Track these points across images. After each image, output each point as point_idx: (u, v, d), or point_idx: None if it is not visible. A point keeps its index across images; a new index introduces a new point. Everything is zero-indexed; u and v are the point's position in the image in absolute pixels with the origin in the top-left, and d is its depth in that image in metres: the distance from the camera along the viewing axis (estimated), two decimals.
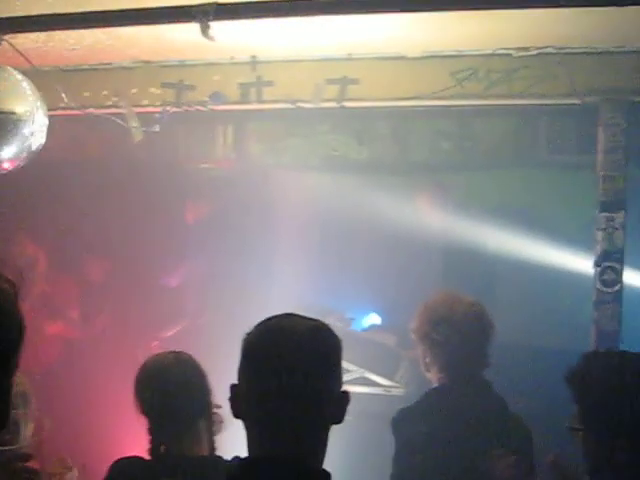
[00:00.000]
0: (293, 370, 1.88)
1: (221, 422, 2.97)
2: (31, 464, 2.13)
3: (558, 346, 5.08)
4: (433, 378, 3.44)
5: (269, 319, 2.01)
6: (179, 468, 2.80)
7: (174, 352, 3.05)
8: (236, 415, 1.97)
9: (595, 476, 2.46)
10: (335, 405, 1.95)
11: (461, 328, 3.32)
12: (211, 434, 2.93)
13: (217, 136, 6.59)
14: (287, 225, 6.55)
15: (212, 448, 2.92)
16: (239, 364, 1.97)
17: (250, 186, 6.46)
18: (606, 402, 2.39)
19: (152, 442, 2.89)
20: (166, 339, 5.85)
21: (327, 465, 1.98)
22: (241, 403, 1.95)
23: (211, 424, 2.95)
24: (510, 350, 5.54)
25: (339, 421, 1.96)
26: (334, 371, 1.97)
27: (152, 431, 2.89)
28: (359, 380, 4.98)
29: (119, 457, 2.93)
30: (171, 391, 2.86)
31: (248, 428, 1.94)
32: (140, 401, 2.91)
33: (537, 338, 5.90)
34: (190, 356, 3.04)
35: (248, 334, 1.99)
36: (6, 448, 2.70)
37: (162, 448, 2.85)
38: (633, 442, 2.31)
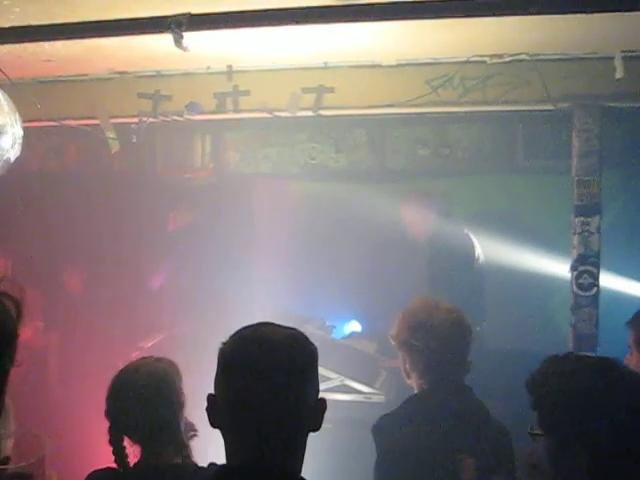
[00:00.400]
0: (269, 380, 1.89)
1: (194, 430, 2.96)
2: None
3: (537, 350, 5.11)
4: (414, 384, 3.44)
5: (245, 328, 2.02)
6: (154, 476, 2.77)
7: (149, 358, 3.02)
8: (213, 424, 1.97)
9: None
10: (312, 413, 1.96)
11: (439, 334, 3.32)
12: (186, 440, 2.91)
13: (195, 146, 6.59)
14: (267, 233, 6.57)
15: (187, 455, 2.89)
16: (215, 374, 1.99)
17: (229, 195, 6.47)
18: (561, 406, 2.41)
19: (118, 451, 2.85)
20: (147, 349, 5.83)
21: (307, 472, 1.99)
22: (218, 412, 1.95)
23: (186, 430, 2.93)
24: (492, 354, 5.58)
25: (316, 428, 1.97)
26: (310, 379, 1.98)
27: (120, 440, 2.85)
28: (339, 387, 4.98)
29: (92, 470, 2.90)
30: (144, 395, 2.83)
31: (226, 437, 1.95)
32: (112, 408, 2.87)
33: (517, 342, 5.94)
34: (167, 362, 3.01)
35: (224, 344, 2.00)
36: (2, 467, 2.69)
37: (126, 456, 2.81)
38: (592, 445, 2.32)
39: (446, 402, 3.26)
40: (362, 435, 3.58)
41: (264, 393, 1.88)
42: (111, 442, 2.83)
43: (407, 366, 3.42)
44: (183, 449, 2.86)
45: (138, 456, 2.83)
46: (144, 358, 3.02)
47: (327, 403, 2.01)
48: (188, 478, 2.78)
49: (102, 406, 2.89)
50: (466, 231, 5.93)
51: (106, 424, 2.84)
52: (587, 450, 2.32)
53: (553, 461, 2.49)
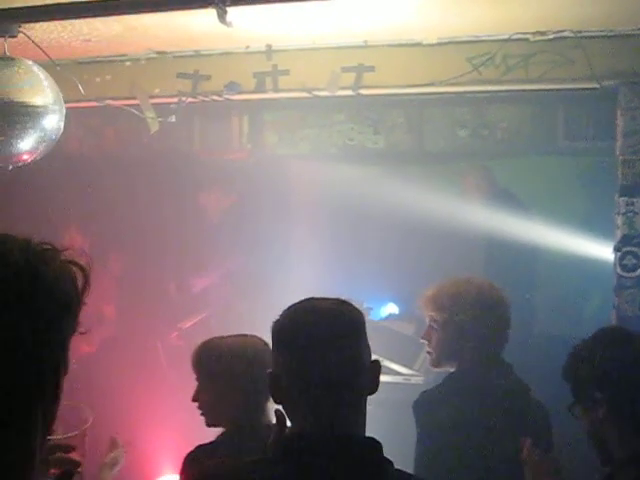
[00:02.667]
0: (325, 345, 1.95)
1: None
2: (73, 455, 2.12)
3: (579, 332, 5.06)
4: (452, 363, 3.41)
5: (292, 305, 2.07)
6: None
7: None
8: (277, 400, 2.04)
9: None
10: (369, 374, 2.01)
11: (471, 309, 3.29)
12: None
13: (233, 127, 6.59)
14: (304, 215, 6.56)
15: None
16: (272, 351, 2.05)
17: (267, 176, 6.46)
18: (610, 378, 2.43)
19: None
20: (186, 330, 5.87)
21: None
22: (280, 387, 2.00)
23: None
24: (533, 336, 5.54)
25: (374, 391, 2.02)
26: (364, 341, 2.02)
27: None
28: None
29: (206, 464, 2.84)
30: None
31: (289, 409, 2.01)
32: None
33: (558, 324, 5.88)
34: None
35: (276, 322, 2.05)
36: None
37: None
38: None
39: (486, 379, 3.24)
40: (402, 416, 3.57)
41: (322, 359, 1.93)
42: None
43: (435, 344, 3.37)
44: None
45: None
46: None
47: None
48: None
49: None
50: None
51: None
52: (628, 429, 2.33)
53: (593, 437, 2.49)
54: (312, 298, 2.08)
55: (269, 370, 2.05)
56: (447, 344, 3.34)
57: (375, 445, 1.97)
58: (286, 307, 2.08)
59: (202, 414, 2.98)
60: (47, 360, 1.31)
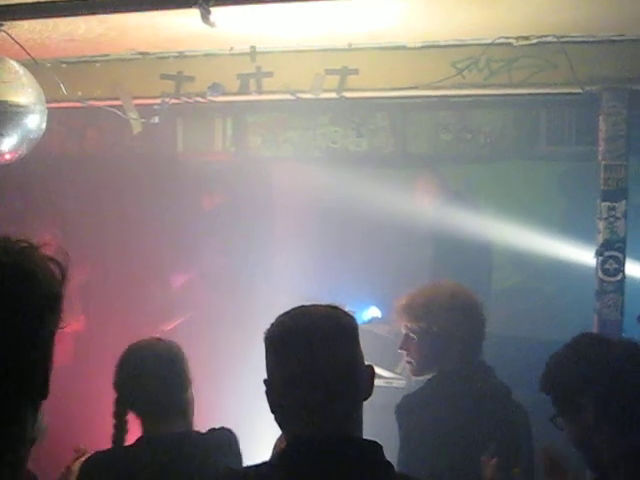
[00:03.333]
0: (320, 351, 1.94)
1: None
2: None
3: (560, 336, 5.08)
4: (433, 370, 3.40)
5: (284, 313, 2.07)
6: (162, 446, 2.76)
7: (153, 338, 3.03)
8: (273, 409, 2.02)
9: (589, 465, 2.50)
10: (364, 378, 2.01)
11: (444, 316, 3.29)
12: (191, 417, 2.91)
13: (216, 129, 6.56)
14: (287, 218, 6.55)
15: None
16: (265, 359, 2.03)
17: (249, 178, 6.45)
18: (585, 389, 2.43)
19: (120, 424, 2.85)
20: (167, 332, 5.84)
21: None
22: (276, 395, 2.00)
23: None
24: (510, 341, 5.55)
25: (369, 395, 2.02)
26: (358, 344, 2.03)
27: (124, 412, 2.87)
28: None
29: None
30: (156, 367, 2.84)
31: (287, 417, 2.00)
32: (121, 379, 2.88)
33: (538, 329, 5.90)
34: (170, 342, 3.00)
35: (269, 329, 2.04)
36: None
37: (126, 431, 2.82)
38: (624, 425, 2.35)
39: (468, 383, 3.24)
40: (384, 419, 3.56)
41: (317, 365, 1.93)
42: (115, 414, 2.85)
43: (415, 353, 3.35)
44: (189, 424, 2.87)
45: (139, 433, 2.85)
46: (150, 338, 3.02)
47: None
48: (201, 443, 2.80)
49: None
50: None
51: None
52: (617, 430, 2.33)
53: (580, 444, 2.50)
54: (304, 305, 2.08)
55: (264, 378, 2.04)
56: (426, 353, 3.32)
57: (375, 447, 1.97)
58: (278, 314, 2.07)
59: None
60: (36, 356, 1.32)
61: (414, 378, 3.48)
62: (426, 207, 6.04)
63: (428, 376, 3.41)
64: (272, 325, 2.05)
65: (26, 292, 1.29)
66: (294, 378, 1.95)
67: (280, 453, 2.00)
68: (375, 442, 1.97)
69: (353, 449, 1.94)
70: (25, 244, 1.35)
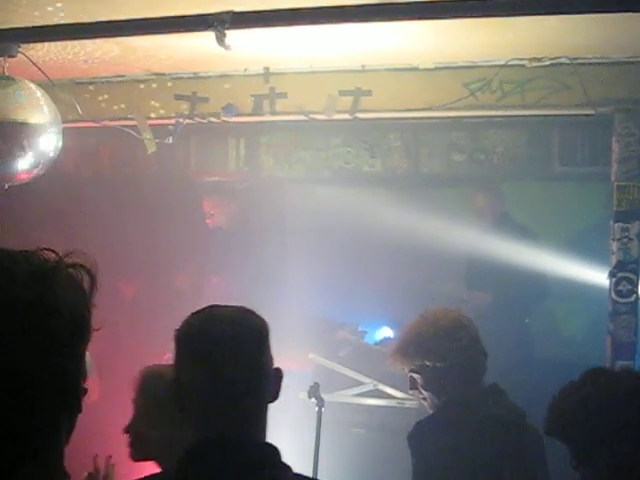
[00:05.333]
0: (228, 353, 1.98)
1: None
2: None
3: (575, 356, 5.07)
4: (428, 404, 3.35)
5: (194, 313, 2.09)
6: None
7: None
8: (180, 408, 2.03)
9: None
10: (271, 382, 2.05)
11: (441, 344, 3.25)
12: None
13: (230, 149, 6.60)
14: (300, 238, 6.55)
15: None
16: (175, 358, 2.05)
17: (262, 199, 6.47)
18: (587, 438, 2.36)
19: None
20: None
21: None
22: (183, 394, 2.01)
23: None
24: (526, 363, 5.53)
25: (275, 398, 2.06)
26: (266, 350, 2.06)
27: None
28: (373, 392, 4.95)
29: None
30: None
31: (191, 416, 2.02)
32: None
33: (555, 349, 5.88)
34: None
35: (179, 328, 2.06)
36: None
37: None
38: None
39: (481, 408, 3.20)
40: (395, 440, 3.55)
41: (225, 367, 1.96)
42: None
43: (423, 391, 3.31)
44: None
45: None
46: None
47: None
48: None
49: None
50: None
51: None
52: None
53: None
54: (215, 305, 2.10)
55: (171, 377, 2.05)
56: (433, 387, 3.28)
57: (273, 450, 2.00)
58: (188, 315, 2.09)
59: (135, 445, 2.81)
60: (70, 373, 1.34)
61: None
62: (440, 228, 6.02)
63: None
64: (183, 325, 2.05)
65: (53, 313, 1.29)
66: (200, 379, 1.97)
67: (183, 454, 1.99)
68: (272, 445, 2.00)
69: (254, 452, 1.97)
70: (51, 256, 1.35)
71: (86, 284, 1.37)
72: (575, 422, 2.38)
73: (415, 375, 3.27)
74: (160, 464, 2.75)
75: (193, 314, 2.07)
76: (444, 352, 3.20)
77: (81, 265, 1.36)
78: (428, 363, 3.22)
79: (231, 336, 1.99)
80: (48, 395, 1.28)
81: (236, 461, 1.94)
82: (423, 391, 3.28)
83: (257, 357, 2.02)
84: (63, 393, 1.31)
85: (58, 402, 1.31)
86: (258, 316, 2.09)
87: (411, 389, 3.35)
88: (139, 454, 2.79)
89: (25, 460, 1.27)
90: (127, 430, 2.77)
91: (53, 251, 1.37)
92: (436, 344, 3.21)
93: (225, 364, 1.96)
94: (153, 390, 2.79)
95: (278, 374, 2.07)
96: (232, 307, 2.09)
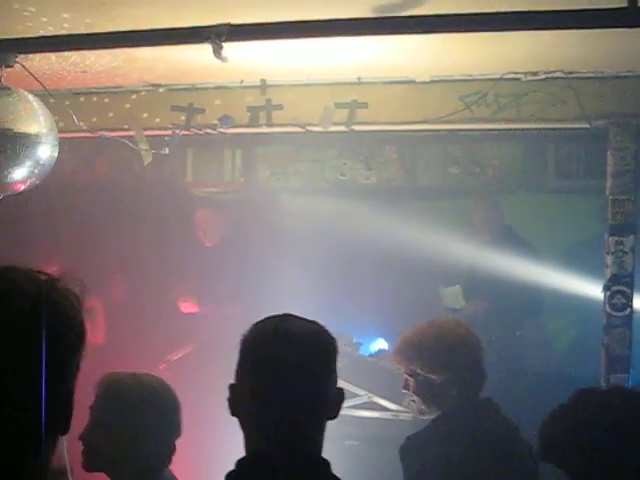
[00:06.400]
0: (294, 372, 1.96)
1: None
2: None
3: (569, 370, 5.07)
4: (435, 409, 3.33)
5: (268, 320, 2.06)
6: None
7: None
8: (234, 413, 2.02)
9: None
10: (332, 402, 2.04)
11: (440, 355, 3.23)
12: None
13: (226, 160, 6.62)
14: (295, 250, 6.55)
15: None
16: (238, 364, 2.02)
17: (258, 210, 6.48)
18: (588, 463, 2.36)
19: None
20: (174, 362, 5.83)
21: None
22: (240, 401, 2.00)
23: None
24: (517, 375, 5.53)
25: (334, 417, 2.05)
26: (332, 371, 2.04)
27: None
28: (367, 404, 4.94)
29: None
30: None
31: (246, 425, 2.00)
32: None
33: (548, 362, 5.88)
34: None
35: (247, 336, 2.04)
36: None
37: None
38: None
39: (473, 422, 3.17)
40: (389, 453, 3.53)
41: (289, 385, 1.95)
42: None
43: (416, 395, 3.30)
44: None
45: None
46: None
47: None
48: None
49: None
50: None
51: None
52: None
53: None
54: (289, 316, 2.06)
55: (231, 382, 2.03)
56: (423, 394, 3.26)
57: (325, 464, 2.00)
58: (261, 320, 2.06)
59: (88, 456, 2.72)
60: (63, 389, 1.34)
61: (421, 417, 3.41)
62: (435, 240, 6.03)
63: (433, 415, 3.35)
64: (252, 332, 2.03)
65: (57, 325, 1.30)
66: (262, 392, 1.96)
67: (238, 464, 1.99)
68: (326, 460, 2.00)
69: (306, 465, 1.97)
70: (46, 277, 1.35)
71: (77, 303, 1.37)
72: (568, 448, 2.37)
73: (409, 378, 3.26)
74: (111, 478, 2.71)
75: (262, 323, 2.05)
76: (440, 367, 3.18)
77: (74, 292, 1.37)
78: (421, 372, 3.21)
79: (298, 353, 1.97)
80: (40, 407, 1.26)
81: (288, 474, 1.94)
82: (413, 395, 3.28)
83: (322, 376, 2.01)
84: (55, 407, 1.30)
85: (49, 419, 1.28)
86: (329, 334, 2.05)
87: (404, 389, 3.34)
88: (91, 465, 2.71)
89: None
90: (81, 438, 2.68)
91: (47, 274, 1.37)
92: (435, 356, 3.19)
93: (282, 381, 1.95)
94: (113, 401, 2.71)
95: (340, 393, 2.06)
96: (303, 323, 2.05)
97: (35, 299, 1.29)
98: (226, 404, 2.04)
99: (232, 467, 2.02)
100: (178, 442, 2.83)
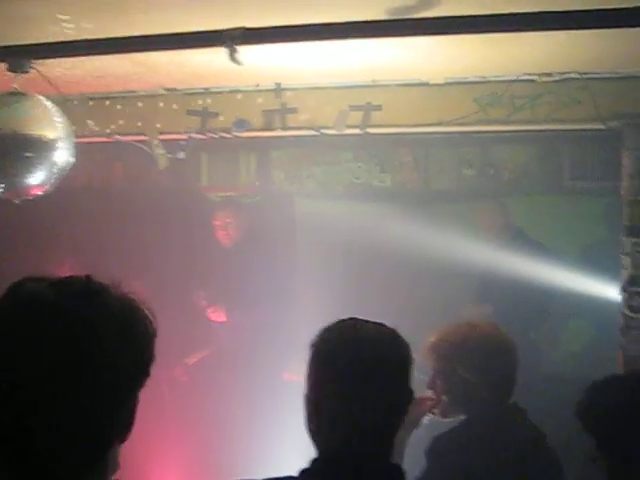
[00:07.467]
0: (373, 376, 1.99)
1: None
2: None
3: (586, 372, 5.03)
4: (461, 413, 3.30)
5: (340, 326, 2.09)
6: None
7: None
8: (311, 425, 2.05)
9: None
10: (405, 404, 2.08)
11: (477, 360, 3.20)
12: None
13: (240, 164, 6.63)
14: (310, 253, 6.56)
15: None
16: (314, 369, 2.06)
17: (273, 214, 6.48)
18: (616, 429, 2.36)
19: None
20: (191, 365, 5.85)
21: None
22: (316, 408, 2.04)
23: None
24: (533, 379, 5.50)
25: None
26: (409, 374, 2.08)
27: None
28: None
29: None
30: None
31: (326, 427, 2.03)
32: None
33: (565, 365, 5.84)
34: None
35: (322, 342, 2.06)
36: None
37: None
38: None
39: (501, 427, 3.13)
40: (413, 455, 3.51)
41: (368, 389, 1.98)
42: None
43: (441, 394, 3.25)
44: None
45: None
46: None
47: None
48: None
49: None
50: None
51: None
52: None
53: None
54: (356, 320, 2.10)
55: (305, 393, 2.06)
56: (453, 395, 3.20)
57: (399, 471, 2.04)
58: (331, 326, 2.09)
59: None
60: (133, 401, 1.38)
61: (443, 420, 3.36)
62: (451, 243, 6.01)
63: (455, 418, 3.31)
64: (329, 337, 2.07)
65: (138, 337, 1.38)
66: (348, 396, 1.99)
67: (310, 466, 2.02)
68: (401, 467, 2.06)
69: (381, 471, 2.00)
70: (133, 297, 1.42)
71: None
72: (616, 415, 2.38)
73: (440, 377, 3.20)
74: None
75: (337, 329, 2.08)
76: (479, 369, 3.13)
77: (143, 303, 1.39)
78: (459, 372, 3.16)
79: (373, 360, 2.01)
80: (109, 417, 1.32)
81: (362, 477, 1.98)
82: (442, 395, 3.21)
83: (403, 377, 2.04)
84: (125, 417, 1.35)
85: (117, 428, 1.34)
86: (403, 338, 2.09)
87: (429, 387, 3.28)
88: None
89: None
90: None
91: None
92: (476, 358, 3.14)
93: (361, 386, 1.98)
94: None
95: (410, 394, 2.09)
96: (376, 325, 2.09)
97: (119, 313, 1.35)
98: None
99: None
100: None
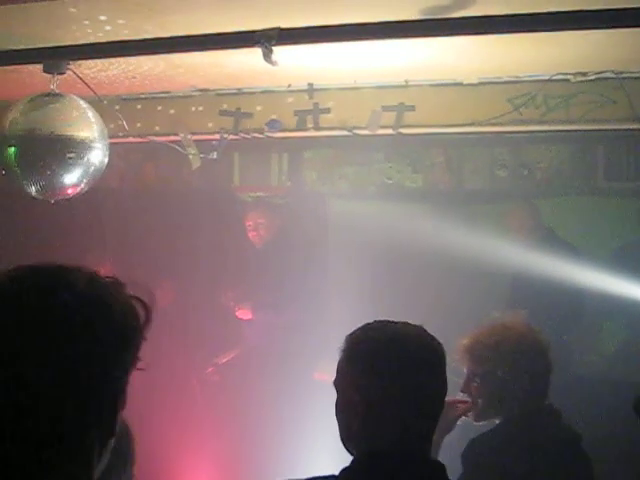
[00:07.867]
0: (418, 375, 2.03)
1: None
2: None
3: (622, 375, 4.99)
4: (496, 416, 3.27)
5: (386, 327, 2.12)
6: None
7: None
8: (356, 419, 2.06)
9: None
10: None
11: (518, 360, 3.17)
12: None
13: (272, 164, 6.64)
14: (341, 254, 6.55)
15: None
16: (359, 369, 2.08)
17: (305, 214, 6.49)
18: None
19: None
20: (221, 365, 5.87)
21: None
22: (358, 409, 2.04)
23: None
24: (566, 381, 5.45)
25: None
26: (445, 372, 2.11)
27: None
28: None
29: None
30: None
31: (371, 426, 2.04)
32: None
33: (593, 368, 5.79)
34: None
35: (363, 343, 2.09)
36: None
37: None
38: None
39: (538, 429, 3.10)
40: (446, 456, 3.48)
41: (418, 390, 2.03)
42: None
43: (477, 397, 3.22)
44: None
45: None
46: None
47: None
48: None
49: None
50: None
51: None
52: None
53: None
54: (388, 321, 2.13)
55: (344, 394, 2.08)
56: (489, 398, 3.17)
57: (441, 467, 2.06)
58: (373, 326, 2.12)
59: None
60: (107, 393, 1.34)
61: (476, 424, 3.33)
62: (483, 243, 5.97)
63: (487, 421, 3.28)
64: (362, 339, 2.10)
65: (101, 326, 1.31)
66: (387, 397, 2.02)
67: (353, 465, 2.04)
68: (441, 463, 2.07)
69: (427, 468, 2.03)
70: (111, 280, 1.38)
71: (142, 317, 1.38)
72: None
73: (476, 379, 3.18)
74: None
75: (382, 330, 2.11)
76: (517, 370, 3.11)
77: (138, 298, 1.39)
78: (499, 373, 3.14)
79: (417, 360, 2.05)
80: (83, 408, 1.29)
81: (406, 475, 2.01)
82: (477, 398, 3.18)
83: (438, 379, 2.07)
84: (99, 409, 1.31)
85: (92, 421, 1.30)
86: (434, 337, 2.12)
87: (462, 391, 3.25)
88: None
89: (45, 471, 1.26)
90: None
91: (115, 279, 1.39)
92: (513, 359, 3.11)
93: (420, 385, 2.03)
94: None
95: (446, 403, 2.15)
96: (412, 326, 2.12)
97: (85, 298, 1.31)
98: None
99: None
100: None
